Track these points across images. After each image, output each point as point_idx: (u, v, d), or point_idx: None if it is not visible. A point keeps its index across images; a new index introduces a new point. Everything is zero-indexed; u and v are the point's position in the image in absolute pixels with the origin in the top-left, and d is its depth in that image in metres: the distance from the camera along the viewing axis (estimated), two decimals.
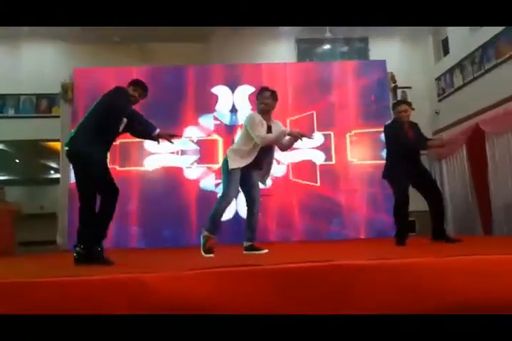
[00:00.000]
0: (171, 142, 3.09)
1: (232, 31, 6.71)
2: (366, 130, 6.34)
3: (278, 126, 3.48)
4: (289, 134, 3.34)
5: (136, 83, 3.09)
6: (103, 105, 2.93)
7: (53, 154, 7.60)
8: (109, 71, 6.26)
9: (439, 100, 7.20)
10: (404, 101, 4.79)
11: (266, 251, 3.27)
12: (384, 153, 4.47)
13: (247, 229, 3.39)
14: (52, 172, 9.65)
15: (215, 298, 1.69)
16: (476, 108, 5.92)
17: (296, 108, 6.41)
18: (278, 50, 7.45)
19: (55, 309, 1.56)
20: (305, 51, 7.57)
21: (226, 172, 3.33)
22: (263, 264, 1.81)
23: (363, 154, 6.34)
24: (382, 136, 4.17)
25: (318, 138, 6.25)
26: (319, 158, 6.32)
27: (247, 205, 3.42)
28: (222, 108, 6.42)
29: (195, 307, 1.65)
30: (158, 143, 3.11)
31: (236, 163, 3.30)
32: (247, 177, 3.36)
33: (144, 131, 3.07)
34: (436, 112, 7.23)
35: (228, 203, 3.30)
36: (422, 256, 1.85)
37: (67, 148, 2.95)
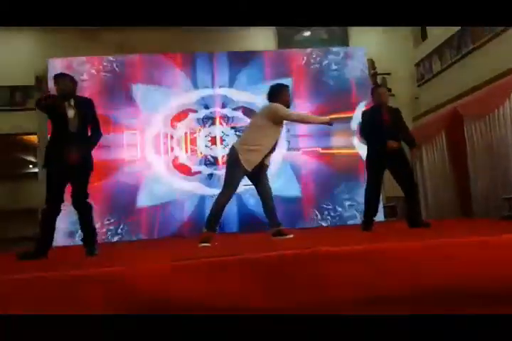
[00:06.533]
0: None
1: None
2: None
3: None
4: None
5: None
6: None
7: (30, 148, 7.40)
8: (84, 60, 6.09)
9: (419, 85, 7.23)
10: (382, 84, 4.75)
11: (291, 236, 3.25)
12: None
13: (266, 216, 3.36)
14: (30, 166, 9.43)
15: (194, 292, 1.67)
16: (455, 93, 5.96)
17: None
18: (258, 37, 7.34)
19: (26, 308, 1.51)
20: (286, 38, 7.48)
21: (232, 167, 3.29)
22: (239, 254, 1.80)
23: None
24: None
25: None
26: None
27: (261, 194, 3.37)
28: None
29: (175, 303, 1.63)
30: None
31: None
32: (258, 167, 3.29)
33: None
34: (416, 98, 7.27)
35: (228, 199, 3.25)
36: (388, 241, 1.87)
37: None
